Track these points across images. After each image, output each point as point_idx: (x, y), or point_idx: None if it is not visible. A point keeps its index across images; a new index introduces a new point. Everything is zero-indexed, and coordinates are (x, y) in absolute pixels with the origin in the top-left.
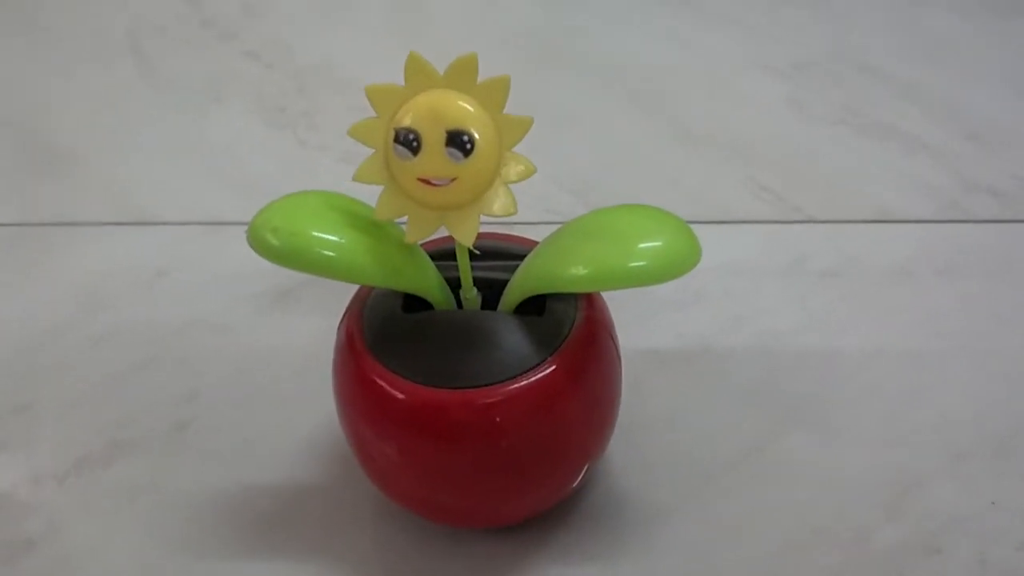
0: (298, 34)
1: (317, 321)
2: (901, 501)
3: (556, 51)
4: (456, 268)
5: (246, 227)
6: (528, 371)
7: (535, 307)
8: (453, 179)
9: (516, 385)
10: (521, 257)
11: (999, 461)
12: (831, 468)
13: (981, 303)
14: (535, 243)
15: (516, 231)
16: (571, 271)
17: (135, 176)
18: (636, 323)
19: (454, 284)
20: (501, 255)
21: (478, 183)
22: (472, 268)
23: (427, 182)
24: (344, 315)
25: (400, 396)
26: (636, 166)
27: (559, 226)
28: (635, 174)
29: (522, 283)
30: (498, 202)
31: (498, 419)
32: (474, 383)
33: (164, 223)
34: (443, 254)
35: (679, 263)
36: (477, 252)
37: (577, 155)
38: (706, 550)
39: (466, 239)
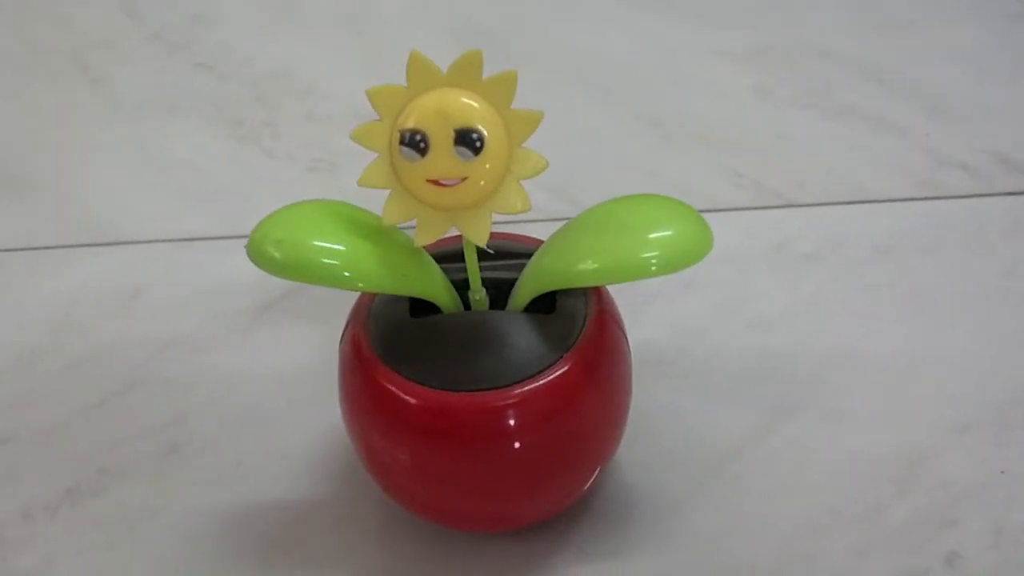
0: (250, 42)
1: (302, 334)
2: (910, 476)
3: (511, 47)
4: (460, 270)
5: (242, 241)
6: (544, 370)
7: (544, 304)
8: (463, 178)
9: (534, 385)
10: (522, 255)
11: (1003, 430)
12: (837, 448)
13: (965, 276)
14: (535, 240)
15: (496, 228)
16: (580, 265)
17: (96, 196)
18: (628, 315)
19: (459, 286)
20: (502, 254)
21: (489, 181)
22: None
23: (436, 183)
24: (347, 324)
25: (414, 401)
26: (610, 160)
27: (555, 222)
28: (610, 168)
29: (532, 281)
30: (510, 199)
31: (516, 421)
32: (491, 385)
33: (133, 242)
34: (446, 256)
35: (692, 251)
36: (491, 251)
37: (548, 151)
38: (723, 538)
39: (479, 239)
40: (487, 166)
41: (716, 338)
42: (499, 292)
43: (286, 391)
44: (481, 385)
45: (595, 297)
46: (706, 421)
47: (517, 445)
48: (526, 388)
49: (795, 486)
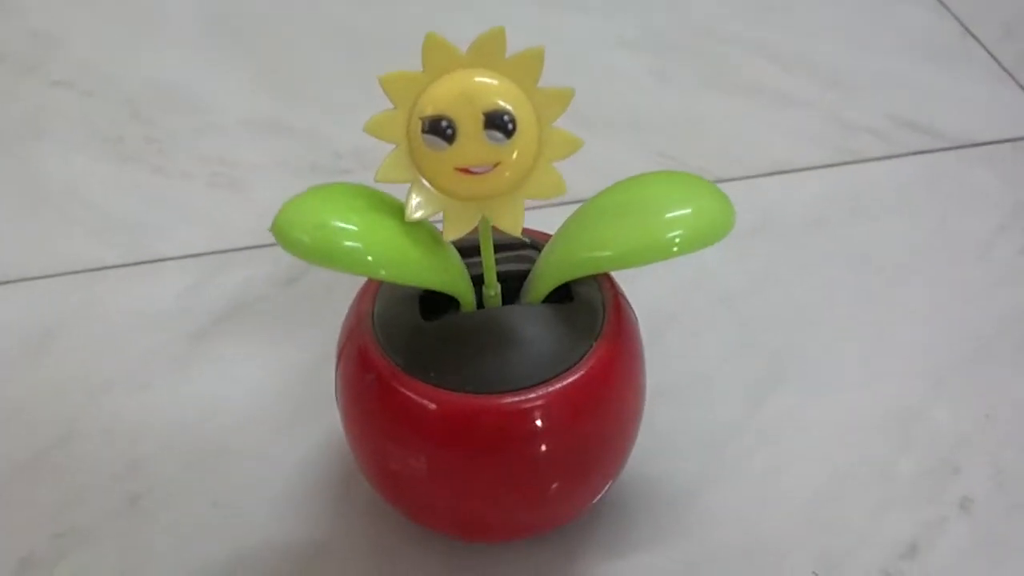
0: (109, 55)
1: (247, 357)
2: (907, 432)
3: (396, 46)
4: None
5: (154, 266)
6: (579, 362)
7: (556, 294)
8: (495, 164)
9: (573, 377)
10: (523, 246)
11: (975, 377)
12: (828, 413)
13: (902, 234)
14: (533, 231)
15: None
16: (602, 252)
17: None
18: None
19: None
20: (501, 247)
21: (522, 166)
22: (469, 266)
23: (466, 171)
24: (346, 336)
25: (447, 410)
26: None
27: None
28: None
29: (551, 271)
30: (545, 184)
31: (556, 417)
32: (528, 383)
33: (30, 278)
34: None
35: (715, 229)
36: (527, 240)
37: None
38: (744, 517)
39: (514, 228)
40: (519, 150)
41: (690, 318)
42: (507, 286)
43: (246, 420)
44: (518, 384)
45: (608, 282)
46: (699, 402)
47: (560, 442)
48: (567, 381)
49: (800, 455)
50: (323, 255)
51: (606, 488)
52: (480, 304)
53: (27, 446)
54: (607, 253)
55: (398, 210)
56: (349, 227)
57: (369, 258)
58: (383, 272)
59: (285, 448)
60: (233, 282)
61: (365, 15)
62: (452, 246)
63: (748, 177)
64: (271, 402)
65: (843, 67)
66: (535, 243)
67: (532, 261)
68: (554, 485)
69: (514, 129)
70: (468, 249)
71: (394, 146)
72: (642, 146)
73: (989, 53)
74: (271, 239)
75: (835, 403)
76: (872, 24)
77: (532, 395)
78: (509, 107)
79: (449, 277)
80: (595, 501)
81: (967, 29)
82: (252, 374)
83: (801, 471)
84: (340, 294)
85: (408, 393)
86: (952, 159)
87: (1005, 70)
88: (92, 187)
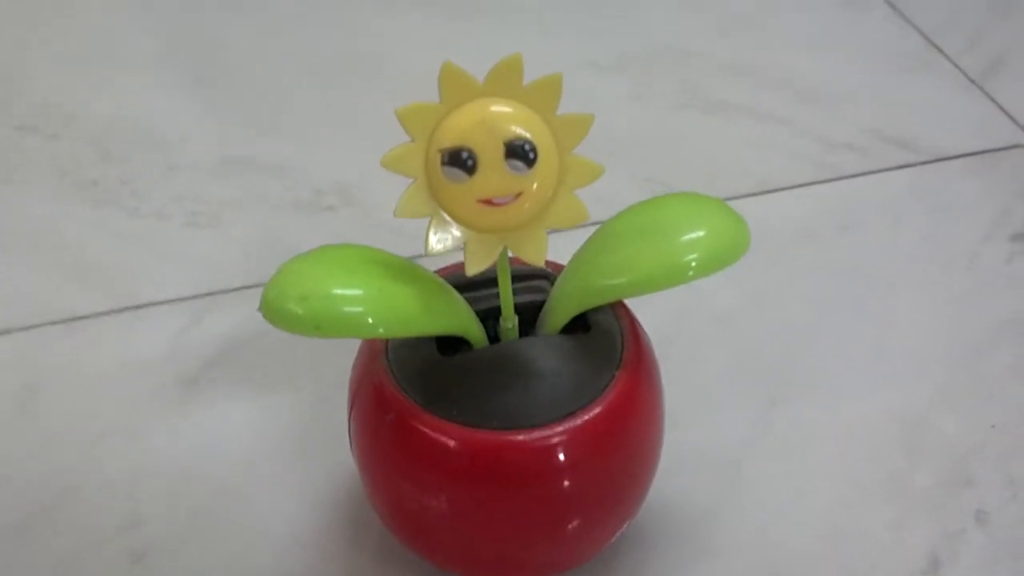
0: (70, 96)
1: (244, 402)
2: (916, 443)
3: (382, 73)
4: (475, 299)
5: (137, 312)
6: (602, 393)
7: (572, 323)
8: (518, 194)
9: (598, 409)
10: (532, 276)
11: (977, 386)
12: (836, 426)
13: (890, 247)
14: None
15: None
16: (619, 279)
17: None
18: None
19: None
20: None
21: (543, 195)
22: (482, 298)
23: (488, 203)
24: (358, 370)
25: (459, 444)
26: None
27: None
28: None
29: (568, 300)
30: (567, 212)
31: (587, 448)
32: (553, 416)
33: (9, 330)
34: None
35: (731, 249)
36: (549, 271)
37: None
38: (766, 533)
39: (537, 259)
40: (540, 179)
41: (688, 341)
42: (520, 318)
43: (247, 465)
44: (543, 418)
45: (622, 309)
46: (708, 422)
47: (588, 474)
48: (593, 412)
49: (813, 468)
50: (326, 326)
51: (631, 520)
52: (495, 336)
53: (20, 507)
54: (623, 280)
55: (385, 263)
56: (347, 292)
57: (370, 320)
58: (382, 331)
59: (290, 492)
60: (222, 325)
61: (327, 44)
62: (449, 285)
63: (734, 198)
64: (272, 445)
65: (814, 82)
66: (544, 272)
67: (542, 291)
68: (578, 520)
69: (535, 158)
70: (477, 282)
71: (412, 180)
72: (626, 171)
73: (955, 65)
74: (257, 279)
75: (842, 417)
76: (838, 38)
77: (559, 428)
78: (530, 136)
79: (455, 320)
80: (618, 534)
81: (931, 41)
82: (250, 417)
83: (816, 487)
84: None
85: (431, 432)
86: (932, 172)
87: (972, 81)
88: (67, 232)
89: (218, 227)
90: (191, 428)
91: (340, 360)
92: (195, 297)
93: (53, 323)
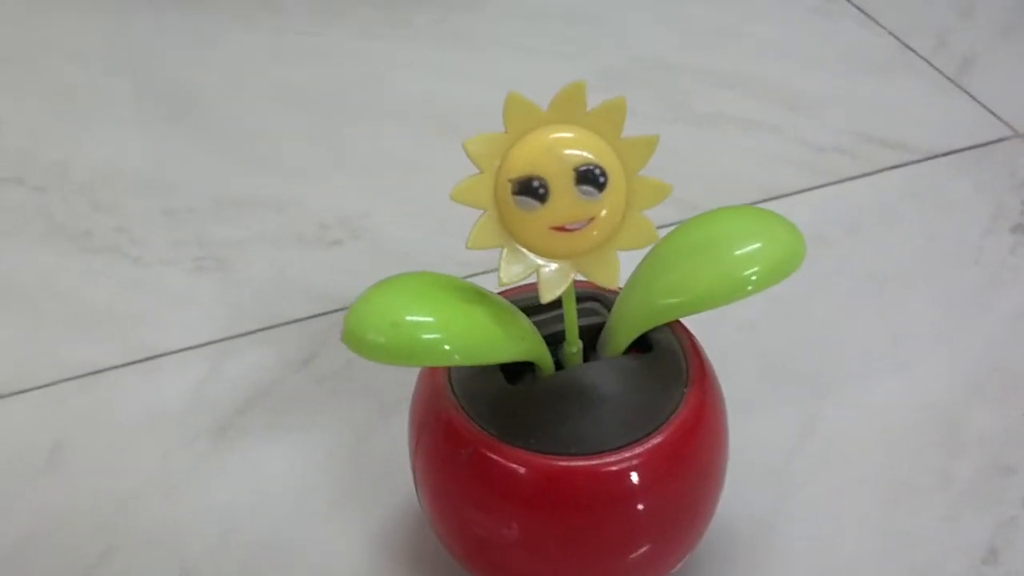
0: (51, 144)
1: (281, 446)
2: (953, 437)
3: (350, 104)
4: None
5: (155, 363)
6: (674, 412)
7: (633, 344)
8: (590, 219)
9: (673, 426)
10: (584, 299)
11: (1003, 375)
12: (874, 426)
13: (898, 247)
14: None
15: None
16: (678, 298)
17: None
18: None
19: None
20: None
21: (613, 218)
22: (539, 323)
23: (561, 229)
24: (421, 405)
25: (540, 474)
26: None
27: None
28: None
29: (631, 321)
30: (637, 233)
31: (664, 469)
32: (629, 439)
33: (26, 390)
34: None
35: (788, 260)
36: (600, 292)
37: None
38: (824, 539)
39: (610, 281)
40: (610, 202)
41: (717, 351)
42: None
43: (292, 509)
44: (619, 441)
45: (680, 327)
46: (751, 430)
47: (667, 494)
48: (667, 433)
49: (859, 470)
50: (406, 355)
51: (701, 538)
52: (558, 361)
53: (66, 570)
54: (684, 298)
55: (457, 289)
56: (424, 319)
57: (447, 347)
58: (458, 357)
59: (343, 532)
60: (242, 368)
61: (301, 73)
62: (519, 310)
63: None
64: (314, 486)
65: (796, 88)
66: (594, 294)
67: (596, 312)
68: (653, 543)
69: (606, 182)
70: (531, 307)
71: (482, 212)
72: None
73: (930, 64)
74: (274, 320)
75: (877, 417)
76: (814, 44)
77: (638, 450)
78: (599, 161)
79: (527, 345)
80: (692, 553)
81: (903, 42)
82: (288, 460)
83: (863, 484)
84: (360, 368)
85: (509, 463)
86: (924, 171)
87: (949, 79)
88: (68, 286)
89: (225, 270)
90: (227, 475)
91: (370, 397)
92: (211, 343)
93: (70, 379)
